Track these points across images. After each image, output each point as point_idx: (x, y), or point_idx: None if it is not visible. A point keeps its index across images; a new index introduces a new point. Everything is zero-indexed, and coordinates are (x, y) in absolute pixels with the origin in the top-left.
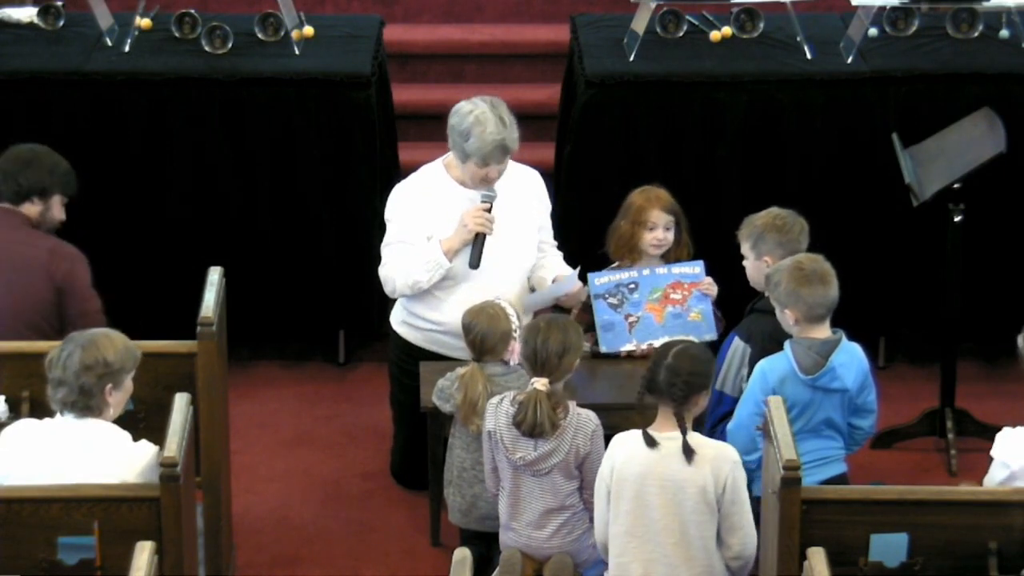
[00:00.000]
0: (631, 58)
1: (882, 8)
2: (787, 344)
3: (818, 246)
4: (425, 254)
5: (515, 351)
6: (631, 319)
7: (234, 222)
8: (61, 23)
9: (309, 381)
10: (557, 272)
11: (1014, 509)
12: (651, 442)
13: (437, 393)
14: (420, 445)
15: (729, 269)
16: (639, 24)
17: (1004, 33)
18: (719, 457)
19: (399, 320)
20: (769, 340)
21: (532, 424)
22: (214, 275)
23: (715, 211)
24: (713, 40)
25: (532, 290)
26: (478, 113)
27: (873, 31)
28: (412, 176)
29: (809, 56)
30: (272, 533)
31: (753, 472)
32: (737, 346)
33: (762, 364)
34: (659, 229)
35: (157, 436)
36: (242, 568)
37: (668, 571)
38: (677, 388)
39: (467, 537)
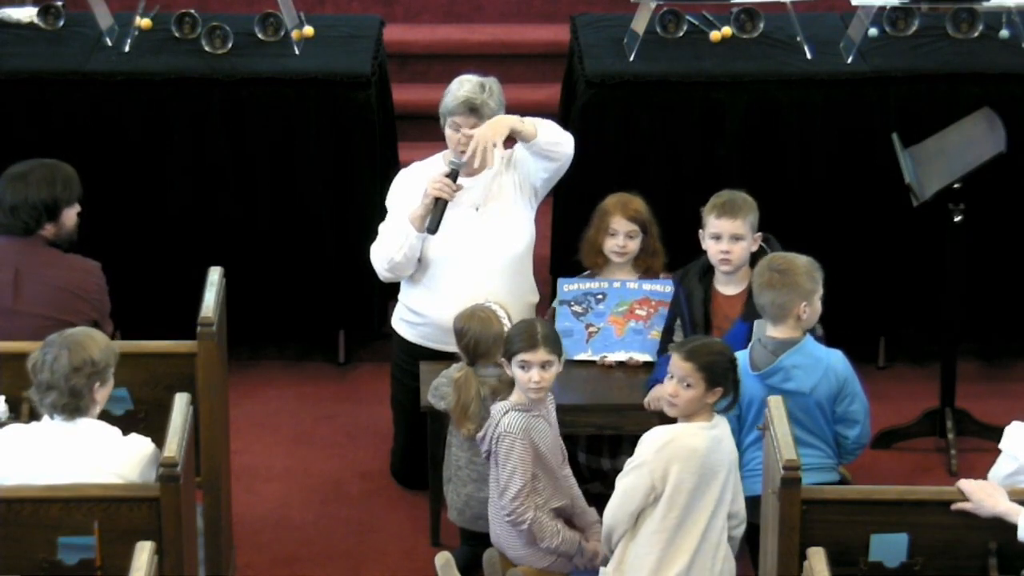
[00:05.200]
0: (631, 58)
1: (882, 8)
2: (752, 341)
3: (818, 246)
4: (396, 230)
5: None
6: (591, 329)
7: (234, 222)
8: (61, 23)
9: (309, 381)
10: None
11: None
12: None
13: (432, 391)
14: (420, 445)
15: None
16: (639, 24)
17: (1004, 33)
18: (729, 429)
19: (397, 318)
20: None
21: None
22: (214, 275)
23: None
24: (713, 40)
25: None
26: (464, 77)
27: (873, 31)
28: (414, 164)
29: (809, 56)
30: (272, 533)
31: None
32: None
33: None
34: (620, 236)
35: (157, 436)
36: (242, 568)
37: (708, 556)
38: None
39: (467, 537)
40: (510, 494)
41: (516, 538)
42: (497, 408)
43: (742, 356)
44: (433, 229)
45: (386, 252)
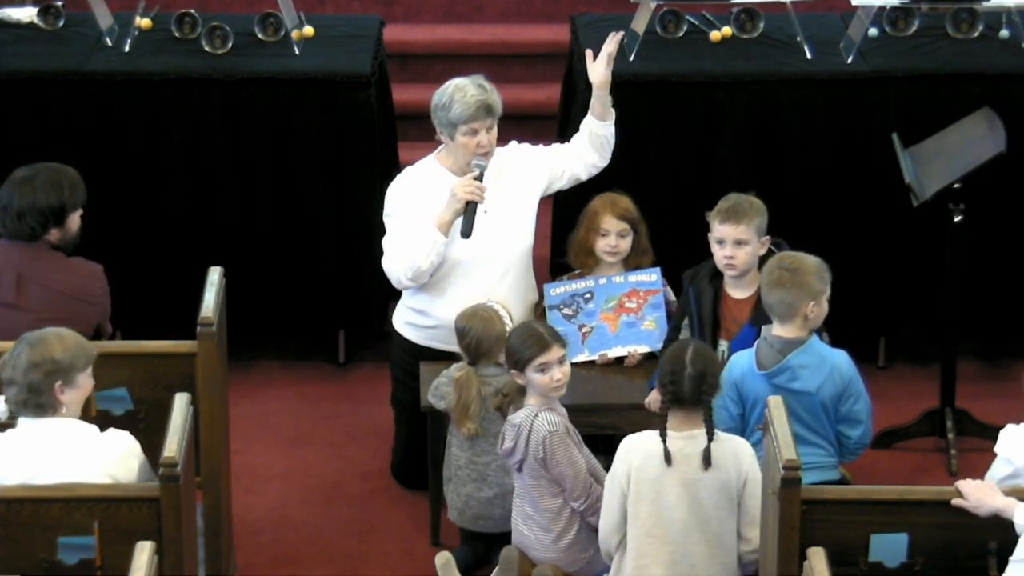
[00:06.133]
0: (631, 58)
1: (882, 8)
2: (758, 340)
3: (818, 246)
4: (420, 236)
5: None
6: (584, 329)
7: (234, 222)
8: (61, 23)
9: (309, 381)
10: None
11: None
12: (667, 457)
13: (432, 391)
14: (421, 445)
15: None
16: (639, 24)
17: (1004, 33)
18: (738, 452)
19: (401, 321)
20: None
21: None
22: (214, 275)
23: None
24: (713, 40)
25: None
26: (456, 83)
27: (873, 31)
28: (407, 170)
29: (809, 56)
30: (272, 533)
31: None
32: None
33: (733, 357)
34: (611, 236)
35: (157, 436)
36: (242, 568)
37: (690, 571)
38: (706, 393)
39: (467, 536)
40: (580, 485)
41: (552, 541)
42: (521, 416)
43: (748, 355)
44: (468, 233)
45: (411, 261)
